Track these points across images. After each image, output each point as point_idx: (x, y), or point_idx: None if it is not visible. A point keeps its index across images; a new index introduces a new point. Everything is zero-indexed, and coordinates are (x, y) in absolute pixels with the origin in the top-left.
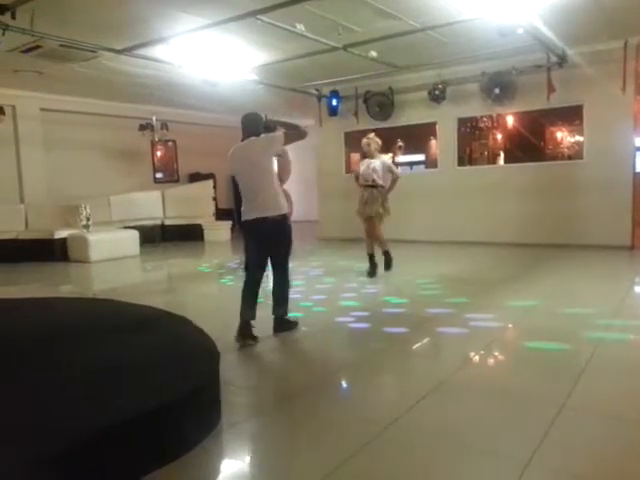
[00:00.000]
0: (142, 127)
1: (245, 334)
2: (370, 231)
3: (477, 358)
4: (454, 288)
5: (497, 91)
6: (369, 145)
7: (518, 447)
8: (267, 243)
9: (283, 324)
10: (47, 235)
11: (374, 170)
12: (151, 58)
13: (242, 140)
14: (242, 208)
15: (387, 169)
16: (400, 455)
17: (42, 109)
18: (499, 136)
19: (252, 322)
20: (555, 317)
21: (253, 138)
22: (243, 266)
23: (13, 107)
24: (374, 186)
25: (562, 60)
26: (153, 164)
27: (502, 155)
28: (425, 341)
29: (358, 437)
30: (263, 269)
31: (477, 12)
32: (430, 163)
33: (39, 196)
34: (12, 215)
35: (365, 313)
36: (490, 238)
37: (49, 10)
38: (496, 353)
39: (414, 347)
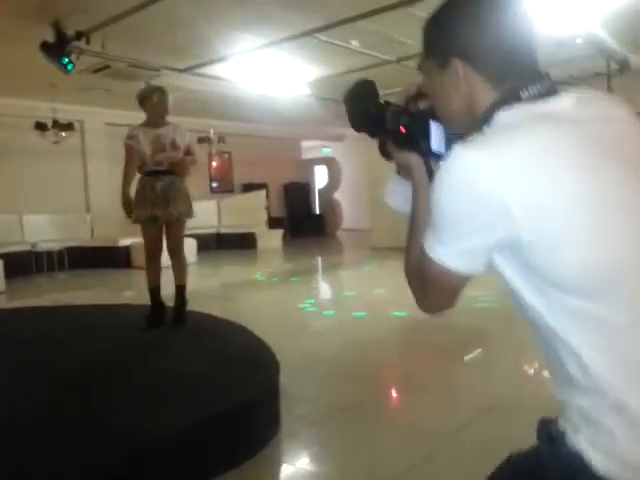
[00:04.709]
0: (200, 140)
1: None
2: (170, 243)
3: None
4: None
5: None
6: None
7: None
8: None
9: None
10: (111, 243)
11: (173, 144)
12: (210, 76)
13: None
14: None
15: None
16: (459, 470)
17: (107, 123)
18: None
19: None
20: None
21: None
22: None
23: (81, 122)
24: (172, 172)
25: None
26: (210, 175)
27: None
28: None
29: (417, 450)
30: None
31: None
32: None
33: (104, 205)
34: (78, 224)
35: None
36: None
37: (118, 34)
38: None
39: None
